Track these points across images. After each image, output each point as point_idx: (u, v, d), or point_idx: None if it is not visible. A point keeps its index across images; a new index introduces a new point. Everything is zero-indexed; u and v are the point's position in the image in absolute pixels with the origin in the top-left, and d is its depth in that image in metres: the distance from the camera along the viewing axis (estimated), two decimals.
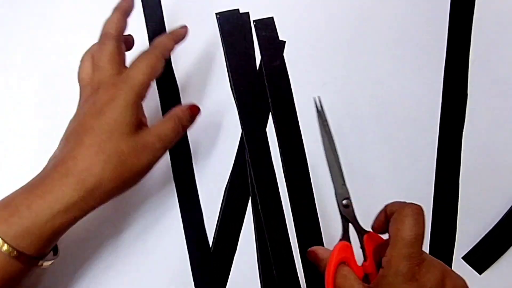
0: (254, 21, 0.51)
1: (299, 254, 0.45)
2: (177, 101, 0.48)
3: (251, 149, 0.47)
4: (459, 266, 0.45)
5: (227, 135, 0.48)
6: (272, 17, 0.51)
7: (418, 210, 0.29)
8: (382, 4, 0.51)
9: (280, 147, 0.48)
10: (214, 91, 0.49)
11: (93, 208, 0.33)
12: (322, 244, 0.45)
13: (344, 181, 0.36)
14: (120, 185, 0.33)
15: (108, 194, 0.32)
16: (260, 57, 0.50)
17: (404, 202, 0.31)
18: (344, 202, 0.35)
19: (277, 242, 0.45)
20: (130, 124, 0.33)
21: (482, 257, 0.46)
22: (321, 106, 0.39)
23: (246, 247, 0.45)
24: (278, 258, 0.45)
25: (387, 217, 0.32)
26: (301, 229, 0.46)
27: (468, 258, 0.46)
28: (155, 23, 0.50)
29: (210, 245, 0.45)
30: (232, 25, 0.51)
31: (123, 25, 0.39)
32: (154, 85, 0.44)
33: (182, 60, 0.49)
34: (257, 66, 0.50)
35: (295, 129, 0.48)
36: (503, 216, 0.46)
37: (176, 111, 0.36)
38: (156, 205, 0.45)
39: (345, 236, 0.37)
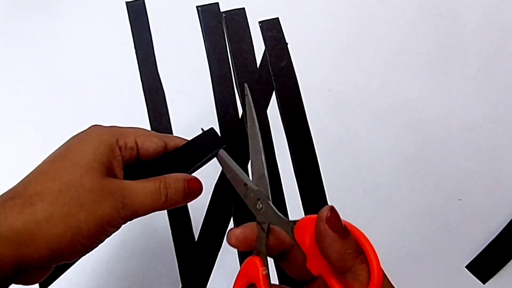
0: (260, 22, 0.50)
1: None
2: None
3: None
4: (463, 275, 0.45)
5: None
6: (278, 18, 0.51)
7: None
8: (388, 11, 0.51)
9: (290, 147, 0.47)
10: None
11: (26, 258, 0.24)
12: None
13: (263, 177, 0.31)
14: (67, 234, 0.25)
15: (50, 242, 0.24)
16: (267, 58, 0.49)
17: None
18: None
19: None
20: (100, 162, 0.27)
21: (486, 266, 0.45)
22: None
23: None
24: None
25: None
26: None
27: (471, 267, 0.45)
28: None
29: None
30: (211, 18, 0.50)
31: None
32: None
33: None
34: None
35: (305, 131, 0.47)
36: (506, 225, 0.46)
37: (169, 176, 0.30)
38: None
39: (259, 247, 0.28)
